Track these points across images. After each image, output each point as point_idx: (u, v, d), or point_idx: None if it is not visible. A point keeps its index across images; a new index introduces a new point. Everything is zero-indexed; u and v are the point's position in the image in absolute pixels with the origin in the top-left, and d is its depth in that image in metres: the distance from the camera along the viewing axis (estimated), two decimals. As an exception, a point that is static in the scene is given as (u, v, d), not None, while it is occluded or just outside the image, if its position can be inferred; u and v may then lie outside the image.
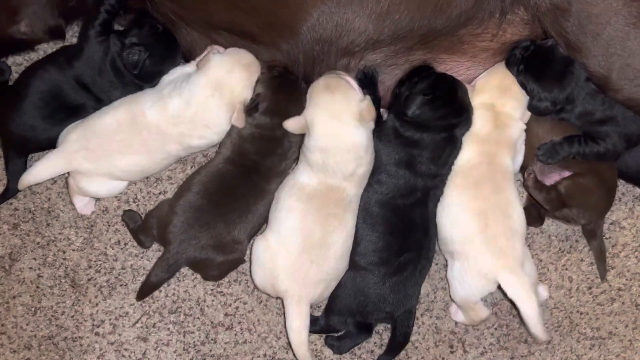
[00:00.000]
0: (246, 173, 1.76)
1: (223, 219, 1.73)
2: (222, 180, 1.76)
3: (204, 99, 1.76)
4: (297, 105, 1.76)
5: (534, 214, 1.84)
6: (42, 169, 1.77)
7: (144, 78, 1.83)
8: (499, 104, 1.78)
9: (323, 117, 1.70)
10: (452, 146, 1.74)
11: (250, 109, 1.77)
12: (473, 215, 1.68)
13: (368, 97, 1.74)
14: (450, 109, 1.74)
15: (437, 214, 1.76)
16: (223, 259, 1.75)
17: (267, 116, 1.77)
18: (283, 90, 1.79)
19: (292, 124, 1.72)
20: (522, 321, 1.68)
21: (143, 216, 1.86)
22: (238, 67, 1.78)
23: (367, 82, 1.79)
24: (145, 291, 1.80)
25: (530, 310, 1.60)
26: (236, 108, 1.76)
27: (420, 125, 1.73)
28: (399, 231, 1.71)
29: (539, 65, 1.75)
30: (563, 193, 1.77)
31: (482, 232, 1.66)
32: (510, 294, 1.63)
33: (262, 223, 1.79)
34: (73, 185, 1.84)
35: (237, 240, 1.75)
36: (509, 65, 1.80)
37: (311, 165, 1.72)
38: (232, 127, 1.80)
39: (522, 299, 1.61)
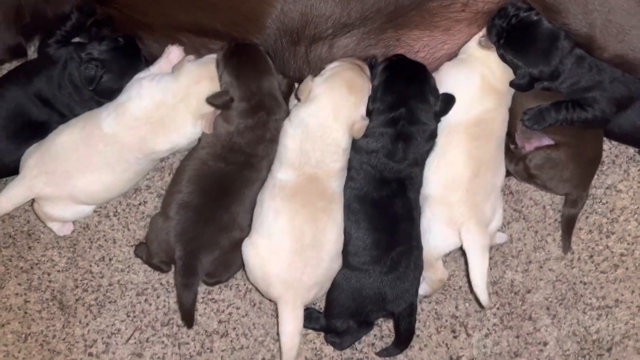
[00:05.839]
0: (239, 170, 1.70)
1: (226, 210, 1.68)
2: (215, 178, 1.69)
3: (173, 105, 1.71)
4: (267, 75, 1.72)
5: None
6: (5, 201, 1.71)
7: (102, 94, 1.77)
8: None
9: (327, 104, 1.64)
10: (406, 142, 1.65)
11: (226, 104, 1.70)
12: (471, 162, 1.66)
13: (367, 120, 1.67)
14: (388, 101, 1.67)
15: (428, 158, 1.71)
16: (237, 253, 1.68)
17: (245, 102, 1.70)
18: (246, 69, 1.71)
19: (304, 86, 1.67)
20: (469, 281, 1.67)
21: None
22: (206, 79, 1.72)
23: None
24: (186, 317, 1.71)
25: (479, 271, 1.61)
26: (205, 117, 1.70)
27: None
28: (384, 226, 1.64)
29: (522, 40, 1.69)
30: (531, 166, 1.75)
31: (470, 181, 1.65)
32: (466, 247, 1.63)
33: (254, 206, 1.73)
34: (38, 211, 1.78)
35: (242, 228, 1.70)
36: (488, 34, 1.73)
37: (287, 149, 1.65)
38: (218, 124, 1.73)
39: (476, 257, 1.61)
